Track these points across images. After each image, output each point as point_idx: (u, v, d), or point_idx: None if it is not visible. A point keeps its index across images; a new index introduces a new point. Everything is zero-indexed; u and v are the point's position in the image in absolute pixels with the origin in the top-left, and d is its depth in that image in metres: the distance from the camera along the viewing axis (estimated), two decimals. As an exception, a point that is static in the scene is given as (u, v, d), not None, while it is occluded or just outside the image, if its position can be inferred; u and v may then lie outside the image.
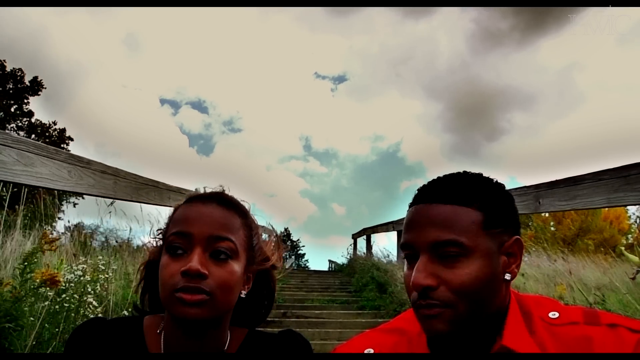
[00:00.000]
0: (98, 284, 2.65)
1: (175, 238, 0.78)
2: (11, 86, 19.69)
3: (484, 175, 0.81)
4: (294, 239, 39.06)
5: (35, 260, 2.04)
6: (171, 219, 0.83)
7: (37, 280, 1.90)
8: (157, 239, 0.87)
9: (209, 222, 0.79)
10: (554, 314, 0.76)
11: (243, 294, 0.83)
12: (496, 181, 0.81)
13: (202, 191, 0.89)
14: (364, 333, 0.89)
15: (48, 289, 2.00)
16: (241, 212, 0.85)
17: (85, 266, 2.60)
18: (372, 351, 0.83)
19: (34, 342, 1.99)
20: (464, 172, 0.81)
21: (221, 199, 0.84)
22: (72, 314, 2.29)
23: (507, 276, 0.75)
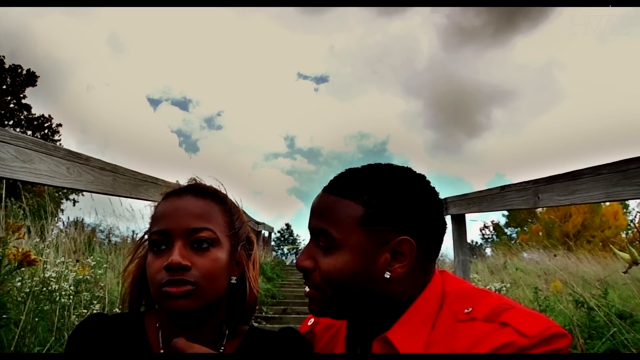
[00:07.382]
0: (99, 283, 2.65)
1: (156, 236, 0.79)
2: (9, 82, 19.66)
3: (410, 169, 0.79)
4: (294, 235, 39.08)
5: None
6: (152, 217, 0.84)
7: (13, 263, 1.86)
8: (142, 239, 0.87)
9: (186, 214, 0.79)
10: (468, 310, 0.72)
11: (234, 279, 0.83)
12: (412, 178, 0.78)
13: (182, 184, 0.88)
14: None
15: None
16: (218, 199, 0.85)
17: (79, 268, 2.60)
18: (312, 321, 0.95)
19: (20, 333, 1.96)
20: (376, 164, 0.81)
21: (196, 190, 0.84)
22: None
23: (387, 274, 0.74)
